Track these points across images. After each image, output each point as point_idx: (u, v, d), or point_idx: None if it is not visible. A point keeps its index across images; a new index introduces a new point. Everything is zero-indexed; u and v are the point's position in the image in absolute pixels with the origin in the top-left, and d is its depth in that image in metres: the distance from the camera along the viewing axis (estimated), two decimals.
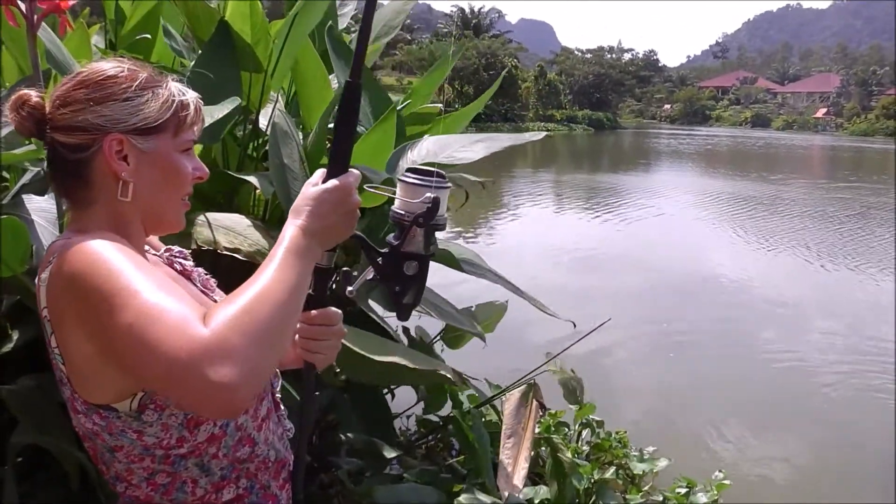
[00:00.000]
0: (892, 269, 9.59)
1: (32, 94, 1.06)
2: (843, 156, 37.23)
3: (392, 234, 1.12)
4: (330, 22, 2.95)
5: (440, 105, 3.11)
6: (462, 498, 2.34)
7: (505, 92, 46.46)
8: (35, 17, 1.72)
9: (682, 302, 7.82)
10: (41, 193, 2.01)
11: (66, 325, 0.97)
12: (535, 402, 2.62)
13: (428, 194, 1.08)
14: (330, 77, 2.89)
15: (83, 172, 1.05)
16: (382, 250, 1.13)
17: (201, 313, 0.88)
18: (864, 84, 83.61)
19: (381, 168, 2.38)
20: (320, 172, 1.07)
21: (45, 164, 1.12)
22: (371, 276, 1.14)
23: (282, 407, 1.25)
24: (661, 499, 3.45)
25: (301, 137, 2.70)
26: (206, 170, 1.16)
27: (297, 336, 1.16)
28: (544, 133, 2.76)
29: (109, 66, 1.06)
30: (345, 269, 1.17)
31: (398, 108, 2.91)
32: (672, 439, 4.37)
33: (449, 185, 1.11)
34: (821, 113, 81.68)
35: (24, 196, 1.96)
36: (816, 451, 4.52)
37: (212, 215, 2.20)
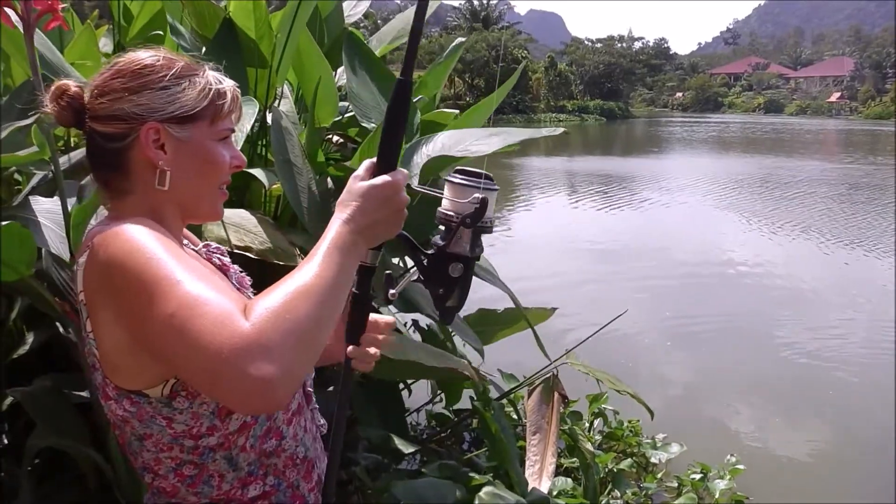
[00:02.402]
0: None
1: (71, 84, 1.06)
2: (853, 139, 36.81)
3: (437, 235, 1.11)
4: (346, 27, 2.93)
5: (456, 111, 3.07)
6: (483, 493, 2.30)
7: (516, 83, 46.26)
8: (31, 17, 1.69)
9: (683, 289, 7.79)
10: (49, 195, 2.00)
11: (100, 311, 0.96)
12: (556, 396, 2.60)
13: (476, 195, 1.07)
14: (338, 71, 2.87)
15: (121, 162, 1.05)
16: (428, 251, 1.11)
17: (242, 306, 0.86)
18: (878, 67, 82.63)
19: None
20: (366, 165, 1.04)
21: (84, 154, 1.11)
22: (415, 278, 1.12)
23: (314, 400, 1.23)
24: (675, 484, 3.44)
25: (307, 133, 2.68)
26: (244, 158, 1.14)
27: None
28: (562, 129, 2.73)
29: (146, 56, 1.06)
30: (387, 272, 1.15)
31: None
32: (684, 426, 4.33)
33: (497, 187, 1.10)
34: (835, 97, 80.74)
35: (30, 198, 1.96)
36: (829, 437, 4.47)
37: None
